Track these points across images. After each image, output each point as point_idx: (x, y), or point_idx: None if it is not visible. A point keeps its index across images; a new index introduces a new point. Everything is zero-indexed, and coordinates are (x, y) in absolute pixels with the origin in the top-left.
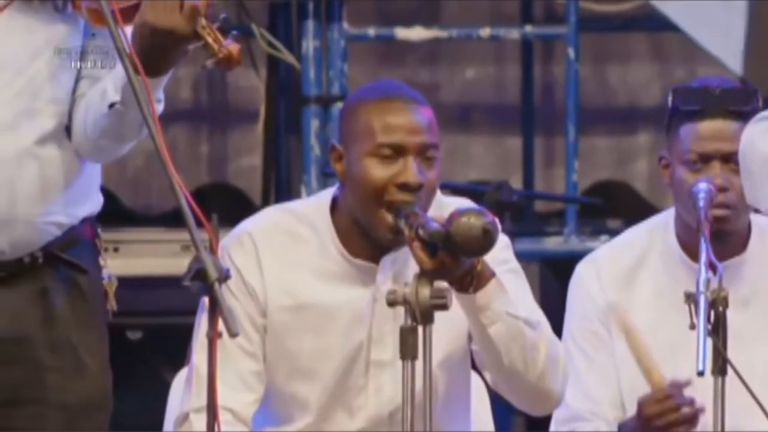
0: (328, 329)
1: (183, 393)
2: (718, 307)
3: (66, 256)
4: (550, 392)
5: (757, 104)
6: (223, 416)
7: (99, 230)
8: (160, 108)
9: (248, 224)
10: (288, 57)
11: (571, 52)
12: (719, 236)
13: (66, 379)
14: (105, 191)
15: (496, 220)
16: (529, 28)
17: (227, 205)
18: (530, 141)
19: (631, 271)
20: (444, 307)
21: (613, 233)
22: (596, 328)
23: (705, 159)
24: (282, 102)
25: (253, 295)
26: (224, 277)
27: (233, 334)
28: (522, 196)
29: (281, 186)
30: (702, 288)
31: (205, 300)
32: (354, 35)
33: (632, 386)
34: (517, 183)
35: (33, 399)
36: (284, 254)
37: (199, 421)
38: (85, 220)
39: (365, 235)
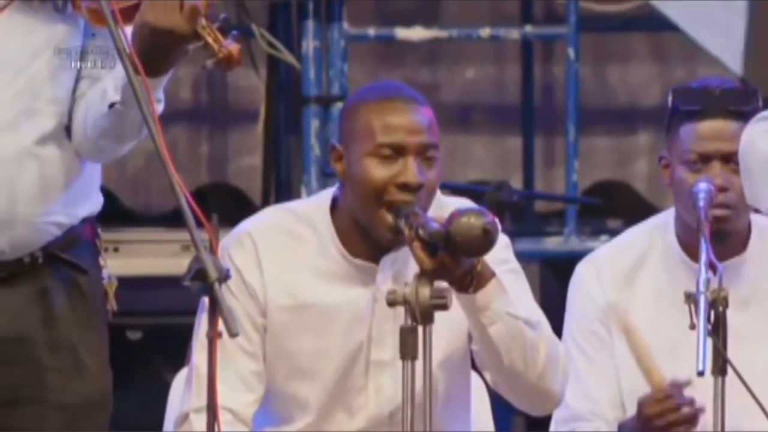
0: (328, 329)
1: (183, 393)
2: (718, 307)
3: (66, 256)
4: (550, 392)
5: (757, 104)
6: (223, 416)
7: (99, 230)
8: (160, 108)
9: (248, 224)
10: (288, 57)
11: (571, 52)
12: (719, 236)
13: (66, 379)
14: (105, 191)
15: (496, 220)
16: (529, 28)
17: (227, 205)
18: (530, 141)
19: (631, 271)
20: (444, 307)
21: (613, 233)
22: (596, 328)
23: (705, 159)
24: (282, 102)
25: (253, 295)
26: (224, 277)
27: (233, 334)
28: (522, 196)
29: (281, 186)
30: (702, 288)
31: (205, 300)
32: (354, 35)
33: (632, 386)
34: (517, 183)
35: (33, 399)
36: (284, 254)
37: (199, 421)
38: (85, 220)
39: (365, 235)
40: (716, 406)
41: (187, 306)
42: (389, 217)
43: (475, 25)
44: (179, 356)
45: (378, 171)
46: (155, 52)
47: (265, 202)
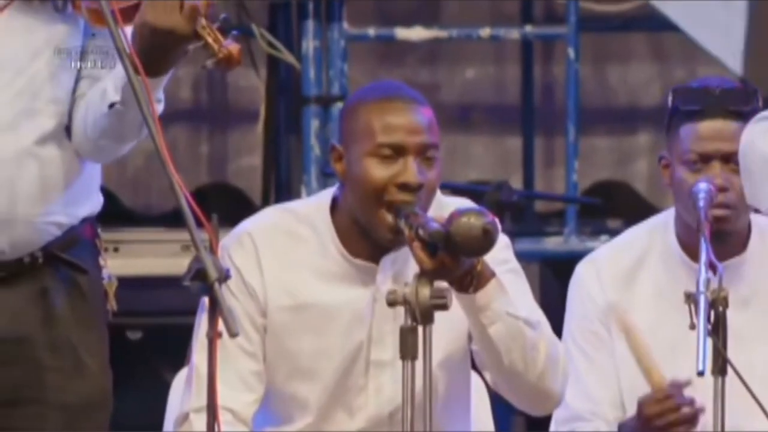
0: (328, 329)
1: (183, 393)
2: (718, 307)
3: (66, 256)
4: (550, 392)
5: (757, 104)
6: (223, 416)
7: (99, 230)
8: (160, 108)
9: (248, 224)
10: (288, 57)
11: (571, 52)
12: (719, 236)
13: (66, 379)
14: (105, 191)
15: (496, 220)
16: (529, 28)
17: (227, 205)
18: (530, 141)
19: (631, 271)
20: (444, 307)
21: (613, 233)
22: (596, 328)
23: (705, 159)
24: (282, 102)
25: (253, 295)
26: (224, 277)
27: (233, 334)
28: (522, 196)
29: (281, 186)
30: (702, 288)
31: (205, 300)
32: (354, 35)
33: (632, 386)
34: (517, 183)
35: (33, 399)
36: (284, 254)
37: (199, 421)
38: (85, 220)
39: (365, 235)
40: (716, 406)
41: (187, 306)
42: (389, 217)
43: (475, 25)
44: (179, 356)
45: (378, 171)
46: (155, 52)
47: (265, 202)
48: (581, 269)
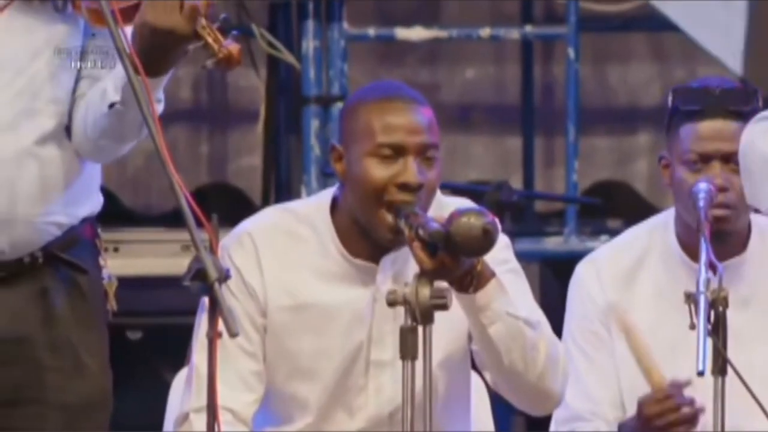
0: (328, 329)
1: (183, 393)
2: (718, 307)
3: (66, 256)
4: (550, 392)
5: (757, 104)
6: (223, 416)
7: (99, 230)
8: (160, 108)
9: (248, 224)
10: (288, 57)
11: (571, 52)
12: (719, 236)
13: (66, 379)
14: (105, 191)
15: (496, 220)
16: (529, 28)
17: (227, 205)
18: (530, 141)
19: (631, 271)
20: (444, 307)
21: (613, 233)
22: (596, 328)
23: (705, 159)
24: (282, 102)
25: (253, 295)
26: (224, 277)
27: (233, 334)
28: (522, 196)
29: (281, 186)
30: (702, 288)
31: (205, 300)
32: (354, 35)
33: (632, 386)
34: (517, 183)
35: (33, 399)
36: (284, 254)
37: (199, 421)
38: (85, 220)
39: (365, 235)
40: (716, 406)
41: (187, 306)
42: (389, 217)
43: (475, 25)
44: (179, 356)
45: (378, 171)
46: (155, 52)
47: (265, 202)
48: (581, 269)
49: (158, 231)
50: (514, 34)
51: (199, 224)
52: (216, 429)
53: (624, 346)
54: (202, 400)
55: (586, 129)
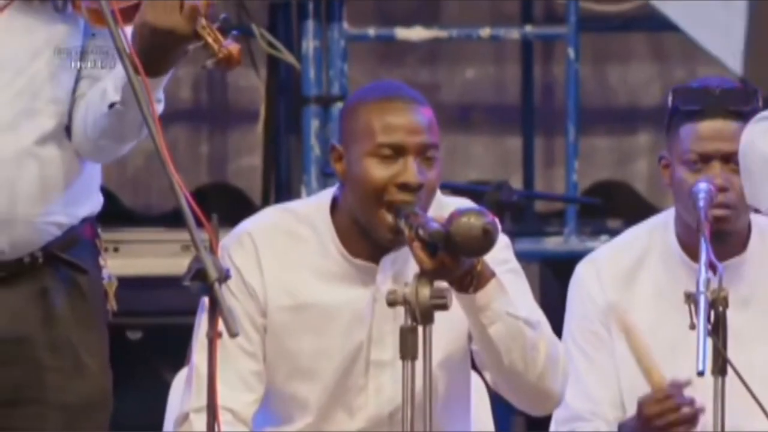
0: (328, 329)
1: (183, 393)
2: (718, 307)
3: (66, 256)
4: (550, 392)
5: (757, 104)
6: (223, 416)
7: (99, 230)
8: (160, 108)
9: (248, 224)
10: (288, 57)
11: (571, 52)
12: (719, 236)
13: (66, 379)
14: (105, 191)
15: (496, 220)
16: (529, 28)
17: (227, 205)
18: (530, 141)
19: (631, 271)
20: (444, 307)
21: (613, 233)
22: (596, 328)
23: (705, 159)
24: (282, 102)
25: (253, 295)
26: (224, 277)
27: (233, 334)
28: (522, 196)
29: (281, 186)
30: (702, 288)
31: (205, 300)
32: (354, 35)
33: (632, 386)
34: (517, 183)
35: (33, 399)
36: (284, 254)
37: (199, 421)
38: (85, 220)
39: (365, 235)
40: (716, 406)
41: (187, 306)
42: (389, 217)
43: (475, 25)
44: (179, 356)
45: (378, 171)
46: (155, 52)
47: (265, 202)
48: (581, 269)
49: (158, 231)
50: (514, 34)
51: (199, 224)
52: (216, 429)
53: (624, 346)
54: (202, 400)
55: (586, 129)
